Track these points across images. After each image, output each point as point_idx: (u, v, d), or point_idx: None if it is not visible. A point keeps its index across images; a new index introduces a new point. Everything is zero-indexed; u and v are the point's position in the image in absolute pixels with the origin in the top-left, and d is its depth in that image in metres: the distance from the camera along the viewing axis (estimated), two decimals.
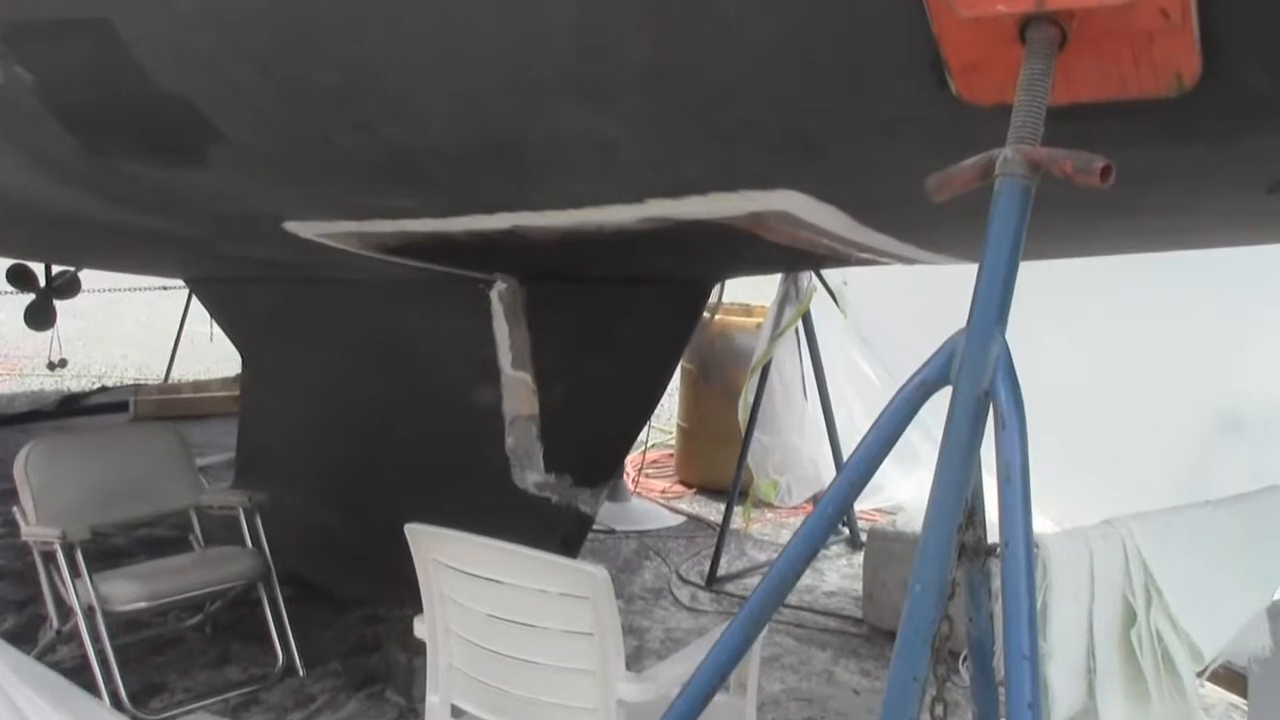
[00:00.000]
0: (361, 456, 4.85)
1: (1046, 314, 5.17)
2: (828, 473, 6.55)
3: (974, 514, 1.74)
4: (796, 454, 6.68)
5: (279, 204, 3.41)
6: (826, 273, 5.92)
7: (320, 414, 5.12)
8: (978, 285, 1.59)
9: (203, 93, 2.64)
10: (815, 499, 6.81)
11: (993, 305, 1.58)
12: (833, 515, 1.78)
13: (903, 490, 6.46)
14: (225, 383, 9.93)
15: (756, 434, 5.99)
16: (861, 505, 6.61)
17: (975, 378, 1.57)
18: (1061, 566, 1.89)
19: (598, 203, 2.94)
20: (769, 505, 6.76)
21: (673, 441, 8.23)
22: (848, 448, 6.04)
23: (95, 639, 3.81)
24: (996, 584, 1.62)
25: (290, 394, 5.34)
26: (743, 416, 5.89)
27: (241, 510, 4.35)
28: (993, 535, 1.64)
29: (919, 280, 4.94)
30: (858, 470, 1.72)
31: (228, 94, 2.60)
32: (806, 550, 1.77)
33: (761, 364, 5.86)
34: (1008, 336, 1.58)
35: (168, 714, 3.89)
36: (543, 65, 2.20)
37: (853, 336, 6.61)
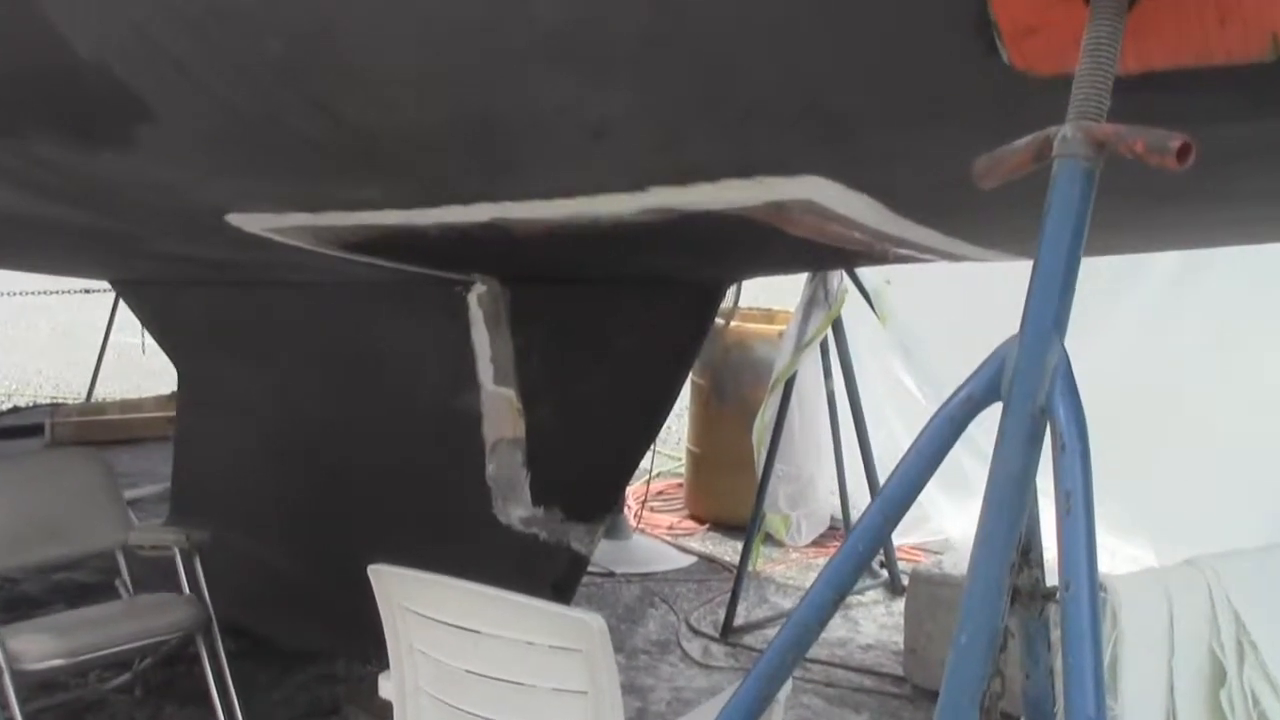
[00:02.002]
0: (318, 487, 4.86)
1: (1099, 307, 5.20)
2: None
3: (1029, 552, 1.74)
4: (812, 486, 6.71)
5: (220, 193, 3.42)
6: (861, 272, 5.93)
7: (270, 438, 5.13)
8: (1032, 285, 1.59)
9: (129, 63, 2.65)
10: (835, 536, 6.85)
11: (1049, 308, 1.58)
12: (864, 552, 1.78)
13: (952, 523, 6.46)
14: (159, 402, 9.94)
15: (777, 464, 6.00)
16: (903, 540, 6.62)
17: (1029, 392, 1.57)
18: (1135, 614, 1.89)
19: (592, 191, 2.95)
20: (779, 543, 6.76)
21: (681, 469, 8.24)
22: (887, 475, 6.03)
23: (2, 704, 3.81)
24: (1057, 634, 1.62)
25: (235, 415, 5.34)
26: (758, 441, 5.89)
27: (178, 551, 4.34)
28: (1052, 577, 1.64)
29: (972, 280, 4.96)
30: (893, 500, 1.73)
31: (159, 65, 2.60)
32: (833, 593, 1.77)
33: (784, 379, 5.86)
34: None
35: None
36: (527, 32, 2.20)
37: (893, 346, 6.62)
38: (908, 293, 6.20)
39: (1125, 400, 4.92)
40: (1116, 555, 5.20)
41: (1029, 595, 1.75)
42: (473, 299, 4.11)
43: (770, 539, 6.58)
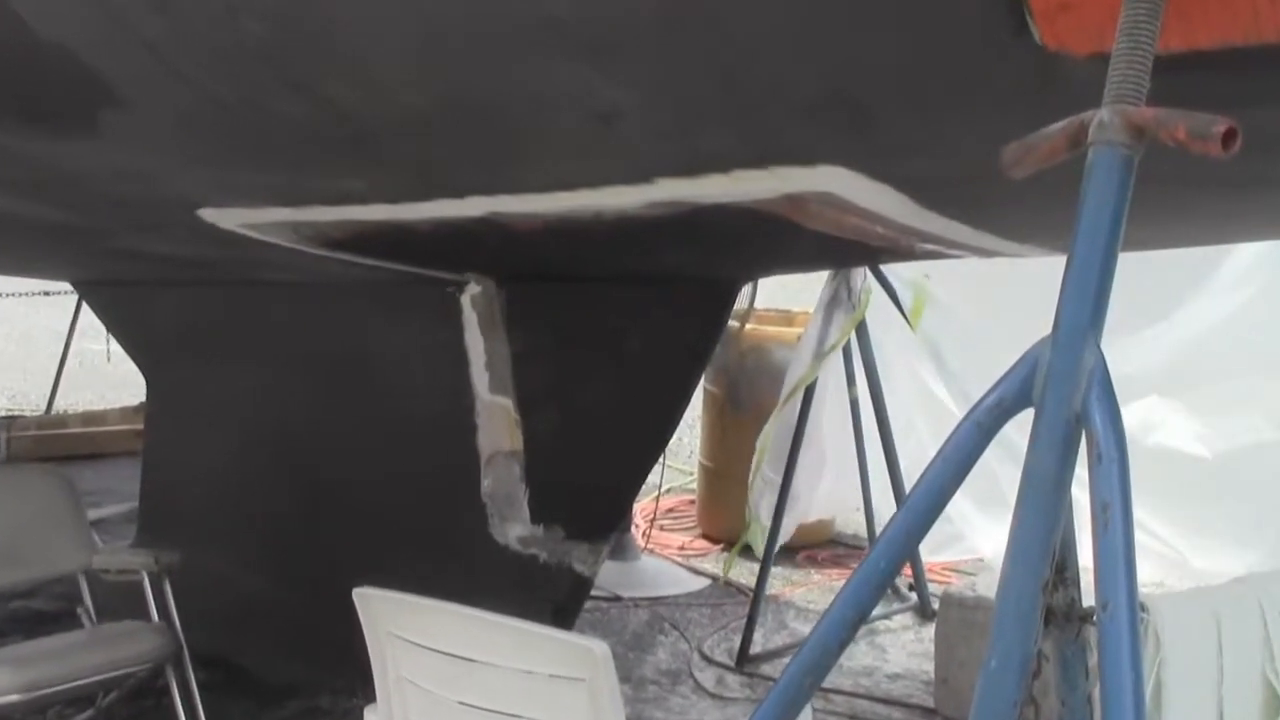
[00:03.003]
0: (299, 505, 4.87)
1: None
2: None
3: (1064, 569, 1.75)
4: (797, 501, 6.66)
5: (193, 186, 3.44)
6: (890, 268, 5.93)
7: (247, 452, 5.14)
8: (1065, 281, 1.60)
9: (95, 45, 2.66)
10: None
11: (1084, 306, 1.59)
12: (886, 568, 1.79)
13: (987, 541, 6.45)
14: (125, 414, 9.95)
15: (765, 469, 5.99)
16: (935, 558, 6.60)
17: (1063, 397, 1.59)
18: (1179, 636, 1.89)
19: (595, 183, 2.97)
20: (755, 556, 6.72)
21: (693, 485, 8.24)
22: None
23: None
24: (1094, 659, 1.63)
25: (209, 427, 5.36)
26: (761, 457, 5.89)
27: (146, 575, 4.36)
28: (1089, 596, 1.65)
29: (1009, 277, 4.97)
30: (918, 512, 1.74)
31: (126, 46, 2.61)
32: (854, 612, 1.78)
33: (802, 386, 5.86)
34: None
35: None
36: (527, 8, 2.22)
37: (921, 349, 6.62)
38: (937, 290, 6.21)
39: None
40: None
41: (1064, 616, 1.77)
42: (466, 300, 4.13)
43: (748, 550, 6.55)
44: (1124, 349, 5.37)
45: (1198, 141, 1.51)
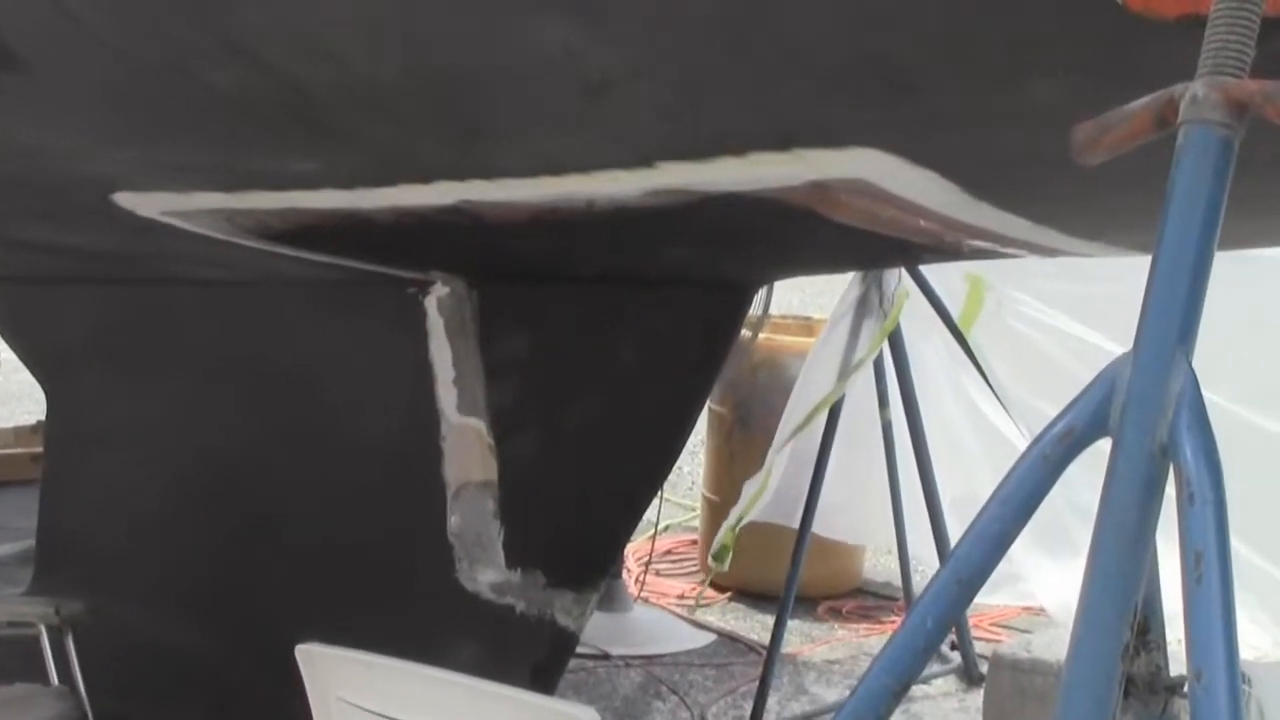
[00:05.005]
0: (230, 545, 4.85)
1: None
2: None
3: (1148, 631, 1.74)
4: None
5: (106, 165, 3.43)
6: (928, 269, 5.92)
7: (170, 482, 5.12)
8: (1150, 287, 1.60)
9: None
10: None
11: (1172, 317, 1.59)
12: (933, 629, 1.79)
13: (1047, 585, 6.40)
14: (20, 435, 9.92)
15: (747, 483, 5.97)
16: (984, 599, 6.54)
17: (1146, 425, 1.58)
18: None
19: (585, 167, 2.97)
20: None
21: (695, 522, 8.25)
22: (957, 531, 6.01)
23: None
24: None
25: (124, 452, 5.34)
26: (750, 507, 5.86)
27: (43, 628, 4.33)
28: (1177, 663, 1.64)
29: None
30: (970, 562, 1.73)
31: None
32: (894, 681, 1.78)
33: (826, 406, 5.84)
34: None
35: None
36: None
37: (969, 368, 6.56)
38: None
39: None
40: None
41: (1147, 687, 1.76)
42: (431, 303, 4.13)
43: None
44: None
45: None
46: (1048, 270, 5.49)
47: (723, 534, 6.08)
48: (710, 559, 6.16)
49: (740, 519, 5.88)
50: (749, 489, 5.89)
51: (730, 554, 6.05)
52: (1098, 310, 5.35)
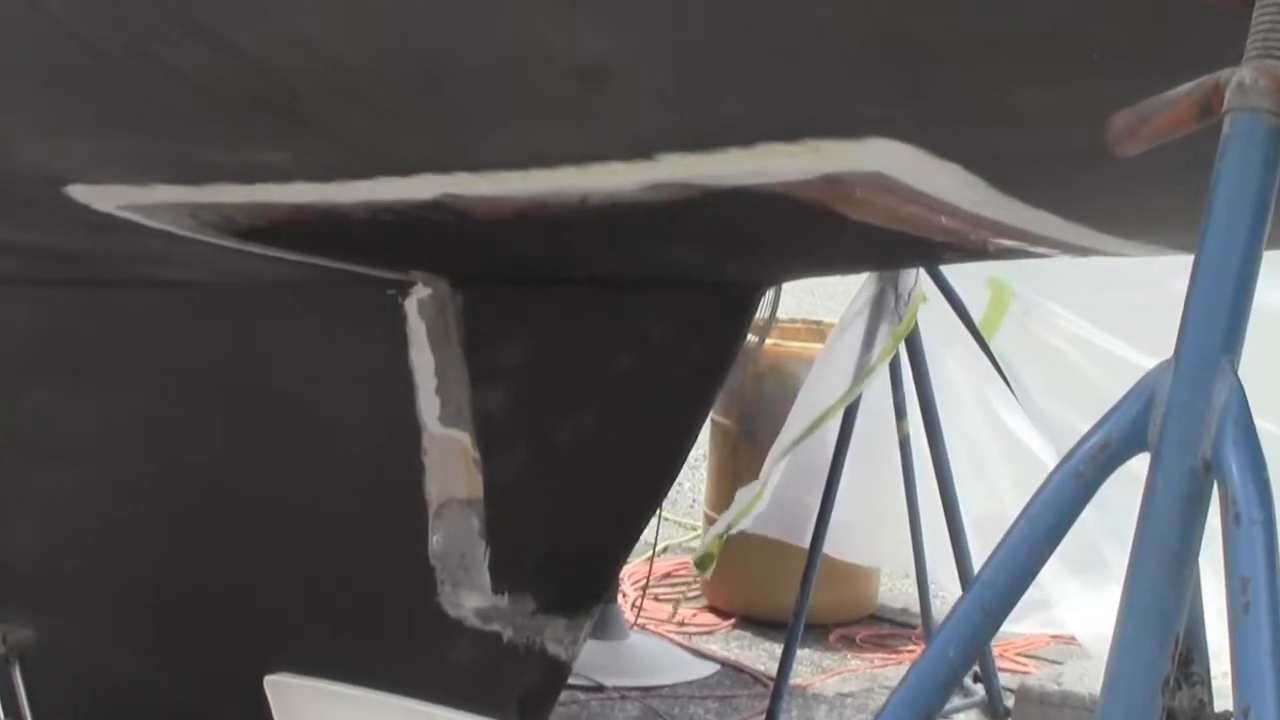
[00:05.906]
0: (193, 567, 4.85)
1: None
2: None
3: (1190, 663, 1.73)
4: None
5: (59, 155, 3.43)
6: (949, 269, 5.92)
7: (127, 499, 5.11)
8: (1192, 290, 1.60)
9: None
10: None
11: (1216, 322, 1.59)
12: (956, 660, 1.78)
13: (1078, 612, 6.39)
14: None
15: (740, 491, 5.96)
16: (1011, 627, 6.56)
17: (1188, 439, 1.58)
18: None
19: (578, 160, 2.97)
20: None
21: (696, 542, 8.23)
22: (980, 553, 6.01)
23: None
24: None
25: (76, 466, 5.34)
26: (740, 518, 5.86)
27: None
28: (1223, 698, 1.63)
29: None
30: (996, 588, 1.72)
31: None
32: (913, 717, 1.77)
33: (835, 414, 5.83)
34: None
35: None
36: None
37: (994, 377, 6.55)
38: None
39: None
40: None
41: None
42: (412, 306, 4.13)
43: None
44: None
45: None
46: (1077, 276, 5.47)
47: (709, 540, 6.07)
48: (694, 565, 6.16)
49: (730, 527, 5.85)
50: (743, 496, 5.85)
51: (714, 562, 6.02)
52: (1130, 321, 5.34)
